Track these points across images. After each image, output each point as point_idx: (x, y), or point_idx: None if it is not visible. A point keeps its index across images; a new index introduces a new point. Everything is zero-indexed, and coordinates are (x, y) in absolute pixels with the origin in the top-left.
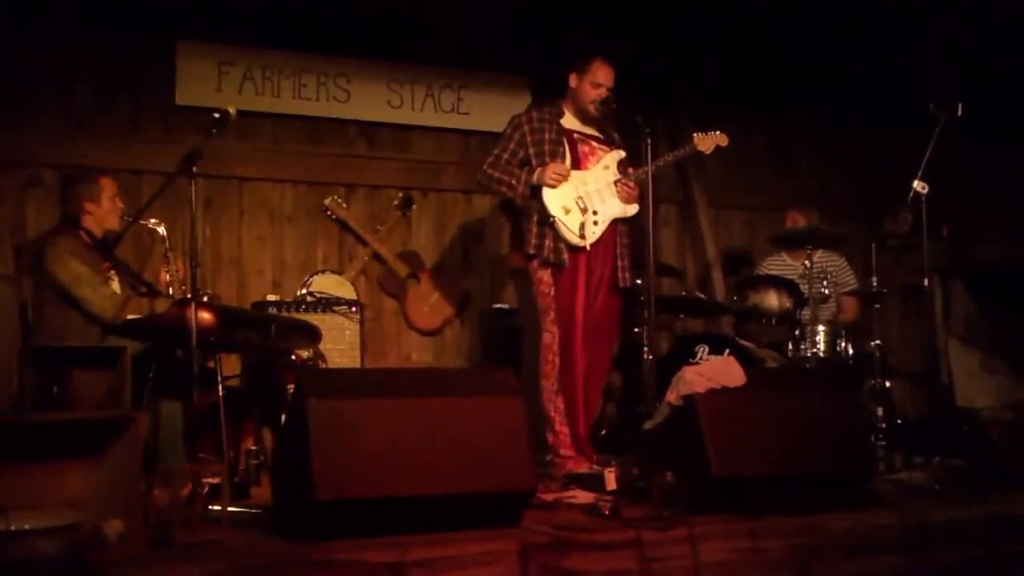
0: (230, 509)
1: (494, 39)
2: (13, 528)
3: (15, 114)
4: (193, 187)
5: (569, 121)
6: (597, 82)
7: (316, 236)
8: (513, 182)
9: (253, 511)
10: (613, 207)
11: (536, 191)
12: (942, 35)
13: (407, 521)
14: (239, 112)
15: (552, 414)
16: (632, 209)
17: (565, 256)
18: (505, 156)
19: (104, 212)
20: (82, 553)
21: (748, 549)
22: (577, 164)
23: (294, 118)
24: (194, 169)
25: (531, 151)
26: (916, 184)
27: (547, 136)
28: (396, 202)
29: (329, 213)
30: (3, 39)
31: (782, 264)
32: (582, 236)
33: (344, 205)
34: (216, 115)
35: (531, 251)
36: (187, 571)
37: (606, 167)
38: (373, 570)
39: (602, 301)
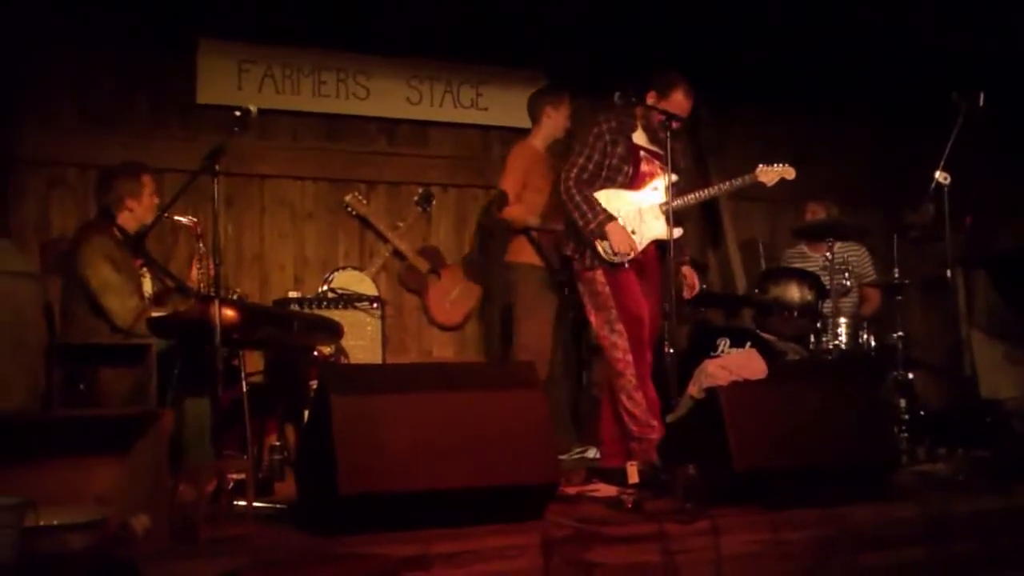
0: (255, 504)
1: (512, 35)
2: (42, 523)
3: (38, 114)
4: (216, 185)
5: (639, 136)
6: (672, 112)
7: (337, 233)
8: (589, 216)
9: (277, 506)
10: (653, 228)
11: None
12: (964, 22)
13: (431, 515)
14: (260, 110)
15: (636, 411)
16: (676, 232)
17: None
18: (590, 166)
19: (144, 209)
20: (109, 548)
21: (770, 541)
22: (635, 183)
23: (314, 115)
24: (217, 167)
25: (605, 161)
26: (938, 175)
27: (618, 151)
28: (416, 198)
29: (349, 210)
30: (25, 39)
31: (802, 256)
32: (615, 254)
33: (364, 201)
34: (237, 113)
35: (568, 253)
36: (212, 565)
37: (655, 188)
38: (397, 564)
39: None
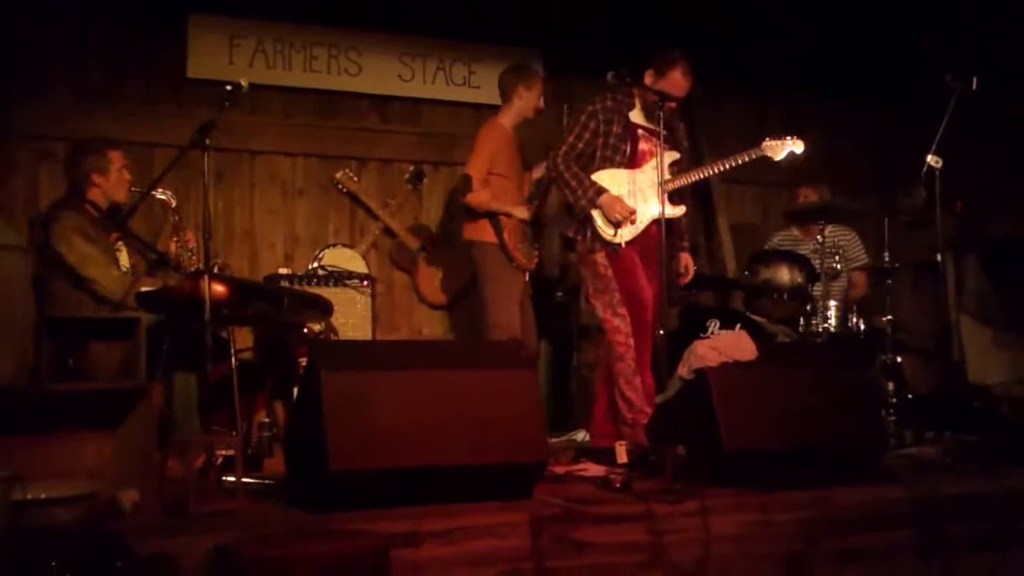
0: (244, 480)
1: (506, 12)
2: (31, 497)
3: (29, 88)
4: (206, 159)
5: (637, 115)
6: (668, 93)
7: (328, 210)
8: (579, 192)
9: (266, 482)
10: (655, 207)
11: None
12: (958, 6)
13: (420, 492)
14: (251, 85)
15: (632, 396)
16: (677, 210)
17: (613, 244)
18: (580, 146)
19: (111, 184)
20: (98, 522)
21: (759, 522)
22: (634, 162)
23: (305, 91)
24: (207, 141)
25: (599, 141)
26: (930, 158)
27: (613, 130)
28: (407, 176)
29: (340, 187)
30: (16, 13)
31: (793, 239)
32: (615, 233)
33: (355, 179)
34: (228, 87)
35: (571, 234)
36: (201, 540)
37: (655, 167)
38: (387, 540)
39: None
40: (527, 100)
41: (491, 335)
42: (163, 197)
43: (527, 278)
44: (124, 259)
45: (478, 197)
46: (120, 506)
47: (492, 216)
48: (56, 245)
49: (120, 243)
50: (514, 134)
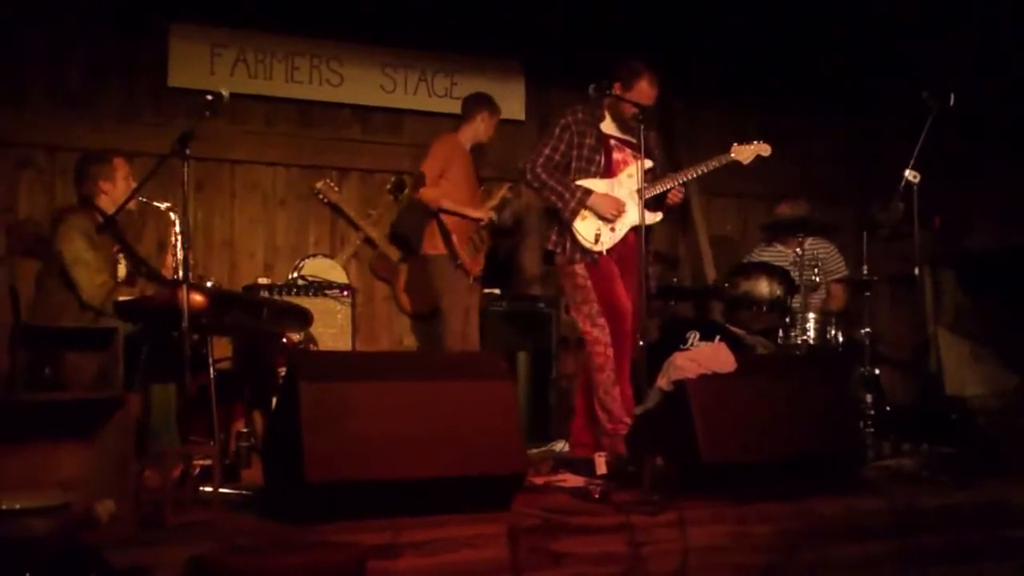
0: (221, 491)
1: (488, 24)
2: (5, 508)
3: (8, 95)
4: (186, 169)
5: (608, 126)
6: (637, 102)
7: (308, 220)
8: (567, 195)
9: (244, 493)
10: (632, 216)
11: None
12: (936, 21)
13: (399, 504)
14: (231, 95)
15: (612, 406)
16: (654, 217)
17: (593, 254)
18: (556, 157)
19: (119, 192)
20: (74, 533)
21: (737, 533)
22: (609, 171)
23: (287, 101)
24: (187, 151)
25: (573, 153)
26: (908, 173)
27: (587, 141)
28: (388, 186)
29: (321, 197)
30: None
31: (774, 251)
32: (596, 242)
33: (336, 189)
34: (209, 97)
35: (550, 247)
36: (178, 551)
37: (630, 176)
38: (365, 552)
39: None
40: (486, 125)
41: (448, 344)
42: (162, 208)
43: (472, 281)
44: (122, 271)
45: (430, 192)
46: (96, 517)
47: (439, 220)
48: (58, 242)
49: (121, 255)
50: (468, 151)
